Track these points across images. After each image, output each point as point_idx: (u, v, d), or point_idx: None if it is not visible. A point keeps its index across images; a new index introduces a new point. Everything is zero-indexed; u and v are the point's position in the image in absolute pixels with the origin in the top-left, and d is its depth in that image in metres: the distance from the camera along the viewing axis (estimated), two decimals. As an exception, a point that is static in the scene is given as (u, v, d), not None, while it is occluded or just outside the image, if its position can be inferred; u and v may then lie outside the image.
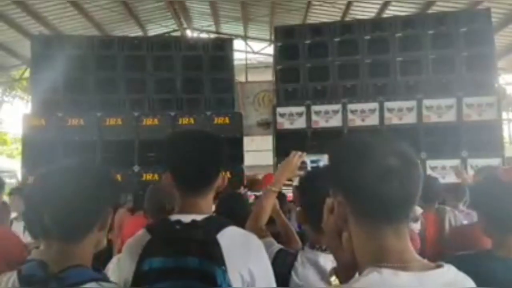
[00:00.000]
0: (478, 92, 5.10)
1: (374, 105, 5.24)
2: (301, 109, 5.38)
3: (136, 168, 5.31)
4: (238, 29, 10.96)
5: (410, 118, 5.18)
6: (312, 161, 1.93)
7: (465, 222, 2.93)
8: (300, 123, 5.37)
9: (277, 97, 5.64)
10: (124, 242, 1.49)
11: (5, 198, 3.54)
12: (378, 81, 5.37)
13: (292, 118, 5.40)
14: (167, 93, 5.67)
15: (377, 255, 0.83)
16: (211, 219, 1.29)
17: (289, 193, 4.01)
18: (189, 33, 11.49)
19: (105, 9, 8.50)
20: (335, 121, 5.31)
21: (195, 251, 1.18)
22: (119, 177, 4.95)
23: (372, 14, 8.13)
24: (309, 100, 5.42)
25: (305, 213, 1.59)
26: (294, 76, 5.57)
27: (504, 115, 8.68)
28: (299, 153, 1.80)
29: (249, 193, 4.72)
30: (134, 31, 9.92)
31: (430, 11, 7.28)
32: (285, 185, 1.91)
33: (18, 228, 3.37)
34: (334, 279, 0.95)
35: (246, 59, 11.26)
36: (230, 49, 5.94)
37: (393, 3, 7.69)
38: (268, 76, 9.05)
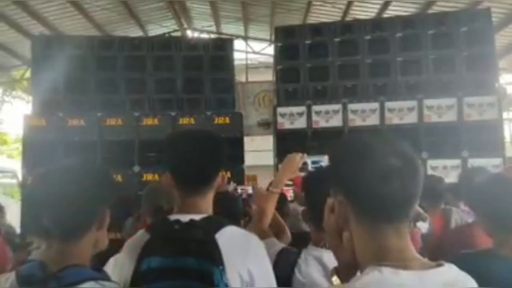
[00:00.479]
0: (478, 92, 5.09)
1: (375, 105, 5.23)
2: (302, 109, 5.37)
3: (136, 168, 5.30)
4: (239, 29, 10.96)
5: (410, 118, 5.17)
6: (313, 162, 1.93)
7: (469, 221, 2.90)
8: (300, 123, 5.36)
9: (278, 97, 5.63)
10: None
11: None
12: (379, 81, 5.35)
13: (292, 118, 5.39)
14: (168, 93, 5.65)
15: (378, 254, 0.83)
16: (210, 219, 1.29)
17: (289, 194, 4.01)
18: (189, 33, 11.48)
19: (106, 10, 8.49)
20: (336, 121, 5.29)
21: (194, 251, 1.18)
22: (119, 177, 4.95)
23: (372, 14, 8.13)
24: (309, 100, 5.40)
25: (309, 212, 1.60)
26: (294, 76, 5.55)
27: (505, 115, 8.65)
28: (300, 154, 1.79)
29: (239, 189, 4.63)
30: (135, 32, 9.91)
31: (430, 11, 7.27)
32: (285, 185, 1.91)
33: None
34: (335, 279, 0.95)
35: (246, 59, 11.27)
36: (231, 49, 5.93)
37: (393, 3, 7.68)
38: (268, 76, 9.03)
